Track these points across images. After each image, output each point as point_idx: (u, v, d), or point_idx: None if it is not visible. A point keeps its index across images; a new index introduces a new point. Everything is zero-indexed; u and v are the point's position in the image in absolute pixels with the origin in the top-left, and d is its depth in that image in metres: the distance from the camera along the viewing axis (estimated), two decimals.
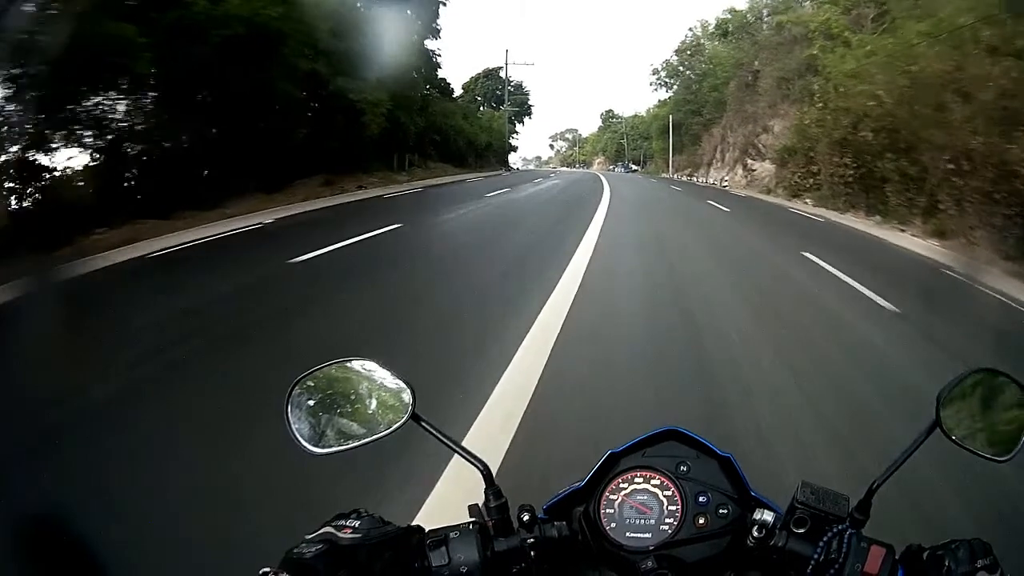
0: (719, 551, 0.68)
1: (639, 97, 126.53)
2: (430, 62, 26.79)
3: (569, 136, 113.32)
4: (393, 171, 21.00)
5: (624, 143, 69.65)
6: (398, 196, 15.08)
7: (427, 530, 0.67)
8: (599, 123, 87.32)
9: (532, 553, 0.67)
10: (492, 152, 43.15)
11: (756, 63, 29.69)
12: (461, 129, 28.40)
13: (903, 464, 0.67)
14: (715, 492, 0.70)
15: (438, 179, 22.05)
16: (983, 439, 0.68)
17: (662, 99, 51.22)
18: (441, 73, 29.27)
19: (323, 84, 14.89)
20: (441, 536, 0.66)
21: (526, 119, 57.16)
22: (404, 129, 21.81)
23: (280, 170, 14.32)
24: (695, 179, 34.47)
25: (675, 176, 40.41)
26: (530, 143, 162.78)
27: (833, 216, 15.19)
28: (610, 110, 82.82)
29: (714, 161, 33.08)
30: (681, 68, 44.49)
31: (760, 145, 25.66)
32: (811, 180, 19.20)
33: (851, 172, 16.00)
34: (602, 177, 33.23)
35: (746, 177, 26.27)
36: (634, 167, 62.59)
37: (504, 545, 0.67)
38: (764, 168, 24.86)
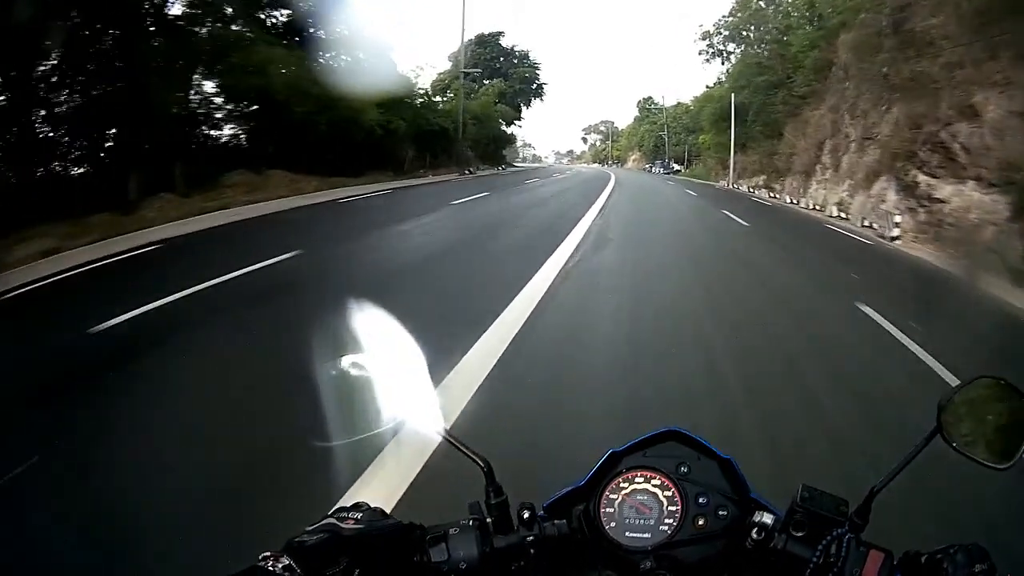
0: (718, 552, 0.69)
1: (683, 85, 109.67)
2: None
3: (604, 128, 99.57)
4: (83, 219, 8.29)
5: (664, 136, 54.84)
6: None
7: (427, 526, 0.67)
8: (636, 114, 72.35)
9: (531, 551, 0.67)
10: (475, 144, 30.03)
11: None
12: (347, 112, 15.23)
13: (903, 470, 0.67)
14: (715, 493, 0.71)
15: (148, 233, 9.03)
16: (984, 446, 0.69)
17: (713, 80, 37.47)
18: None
19: None
20: (441, 532, 0.66)
21: (535, 101, 43.40)
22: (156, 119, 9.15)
23: None
24: (785, 198, 20.21)
25: (740, 187, 26.27)
26: (563, 136, 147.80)
27: None
28: (649, 97, 67.55)
29: (817, 168, 19.02)
30: (747, 32, 30.29)
31: (957, 144, 11.64)
32: None
33: None
34: (606, 194, 19.02)
35: (916, 211, 12.28)
36: (676, 167, 48.20)
37: (503, 542, 0.67)
38: (971, 200, 10.89)
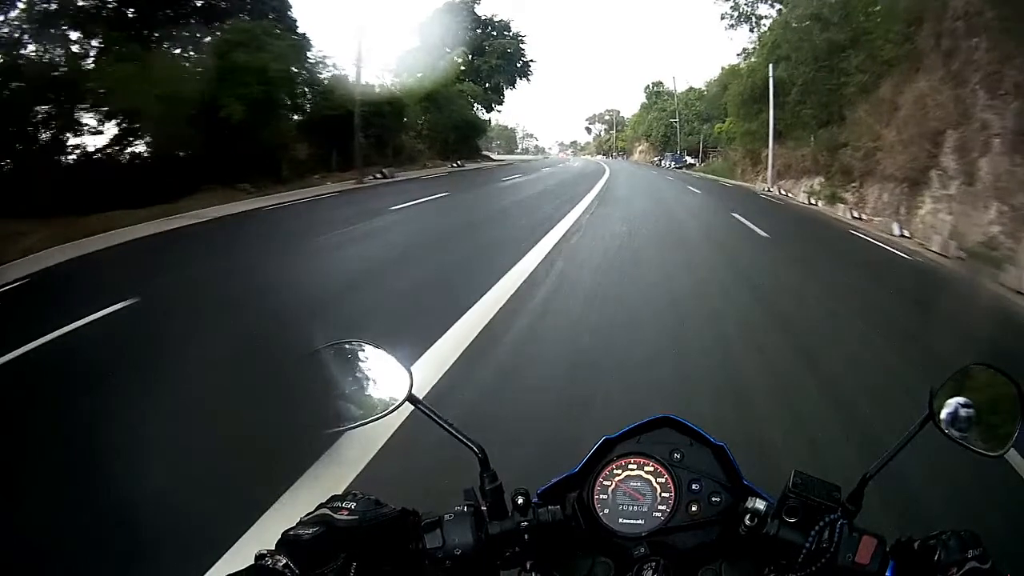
0: (711, 538, 0.69)
1: (695, 70, 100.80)
2: None
3: (609, 117, 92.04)
4: None
5: (676, 123, 47.35)
6: None
7: (422, 512, 0.66)
8: (644, 100, 64.21)
9: (526, 537, 0.67)
10: (432, 134, 23.18)
11: None
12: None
13: (896, 456, 0.67)
14: (708, 480, 0.71)
15: None
16: (976, 433, 0.68)
17: (738, 54, 30.43)
18: None
19: None
20: (436, 518, 0.66)
21: (520, 81, 36.13)
22: None
23: None
24: (893, 227, 12.81)
25: (789, 193, 19.17)
26: (568, 126, 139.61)
27: None
28: (659, 82, 59.68)
29: (933, 174, 11.88)
30: None
31: None
32: None
33: None
34: (553, 240, 9.73)
35: None
36: (690, 160, 40.95)
37: (498, 528, 0.67)
38: None
